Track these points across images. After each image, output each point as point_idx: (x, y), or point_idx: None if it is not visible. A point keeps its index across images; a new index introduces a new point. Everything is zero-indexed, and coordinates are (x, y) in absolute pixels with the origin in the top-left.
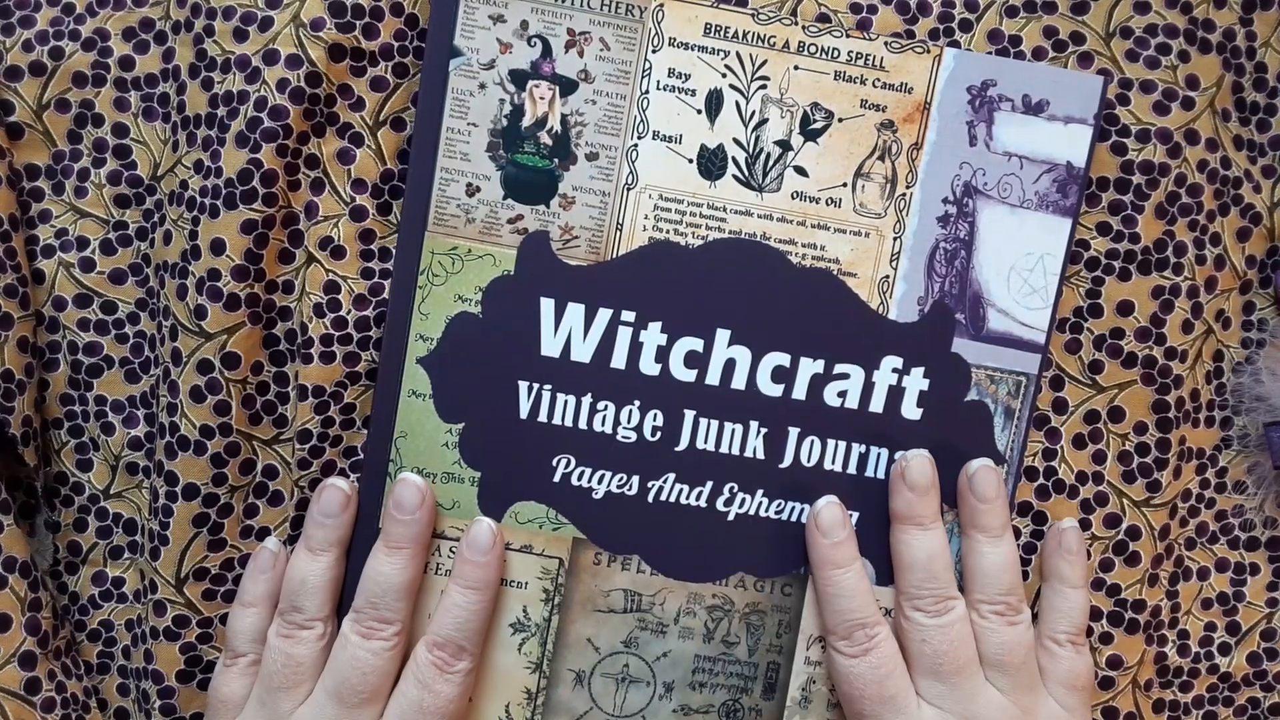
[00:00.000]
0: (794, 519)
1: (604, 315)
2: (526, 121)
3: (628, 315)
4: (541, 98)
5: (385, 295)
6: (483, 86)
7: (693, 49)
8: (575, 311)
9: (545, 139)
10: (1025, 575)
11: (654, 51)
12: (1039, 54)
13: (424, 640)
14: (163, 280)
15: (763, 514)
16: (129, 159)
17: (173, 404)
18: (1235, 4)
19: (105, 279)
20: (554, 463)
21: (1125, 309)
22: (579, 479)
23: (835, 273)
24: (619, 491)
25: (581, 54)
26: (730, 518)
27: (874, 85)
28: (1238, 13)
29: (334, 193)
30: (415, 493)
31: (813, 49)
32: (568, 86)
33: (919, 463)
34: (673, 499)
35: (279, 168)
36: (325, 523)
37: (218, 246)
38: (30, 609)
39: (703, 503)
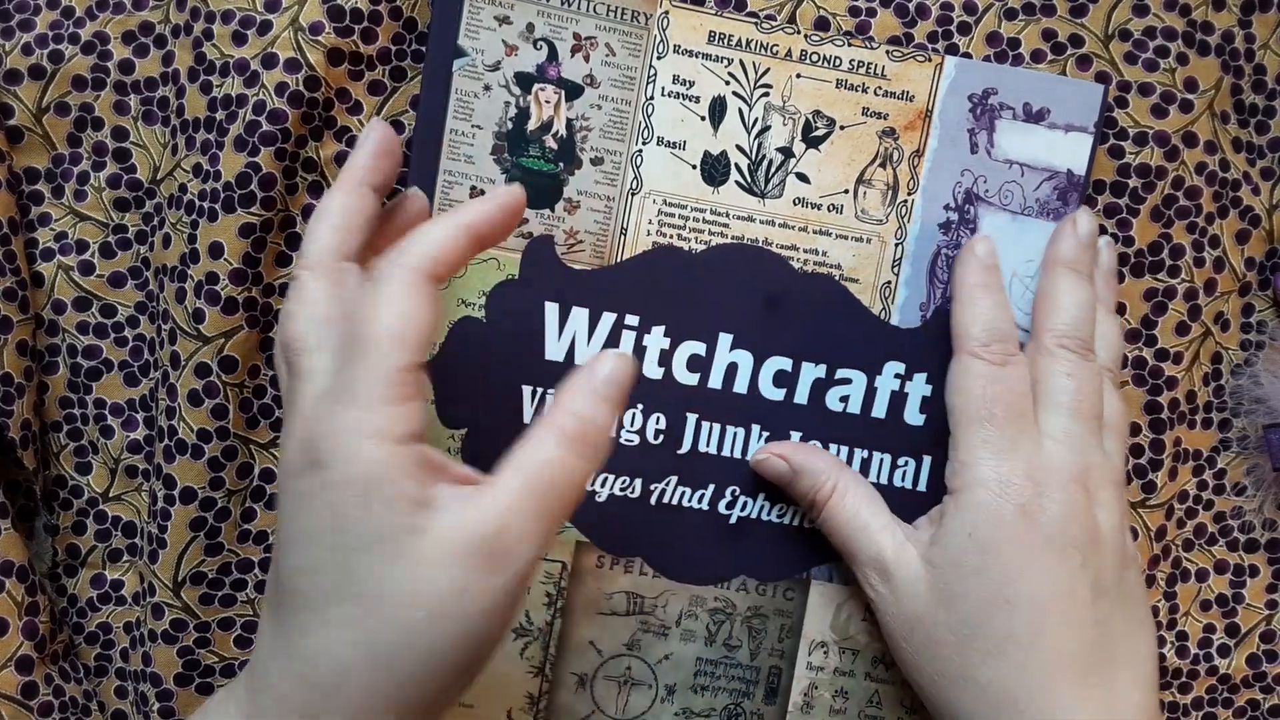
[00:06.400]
0: (796, 523)
1: (608, 319)
2: (532, 125)
3: (631, 319)
4: (547, 101)
5: None
6: (487, 88)
7: (697, 56)
8: (579, 315)
9: (550, 143)
10: None
11: (659, 58)
12: (1038, 56)
13: None
14: (162, 284)
15: (765, 517)
16: (129, 162)
17: (171, 407)
18: (1234, 6)
19: (105, 282)
20: None
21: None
22: None
23: (837, 278)
24: (622, 494)
25: (587, 59)
26: (732, 520)
27: (875, 93)
28: (1236, 15)
29: None
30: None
31: (815, 57)
32: (573, 91)
33: (1089, 218)
34: (675, 502)
35: (277, 171)
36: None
37: (216, 250)
38: (28, 613)
39: (705, 505)
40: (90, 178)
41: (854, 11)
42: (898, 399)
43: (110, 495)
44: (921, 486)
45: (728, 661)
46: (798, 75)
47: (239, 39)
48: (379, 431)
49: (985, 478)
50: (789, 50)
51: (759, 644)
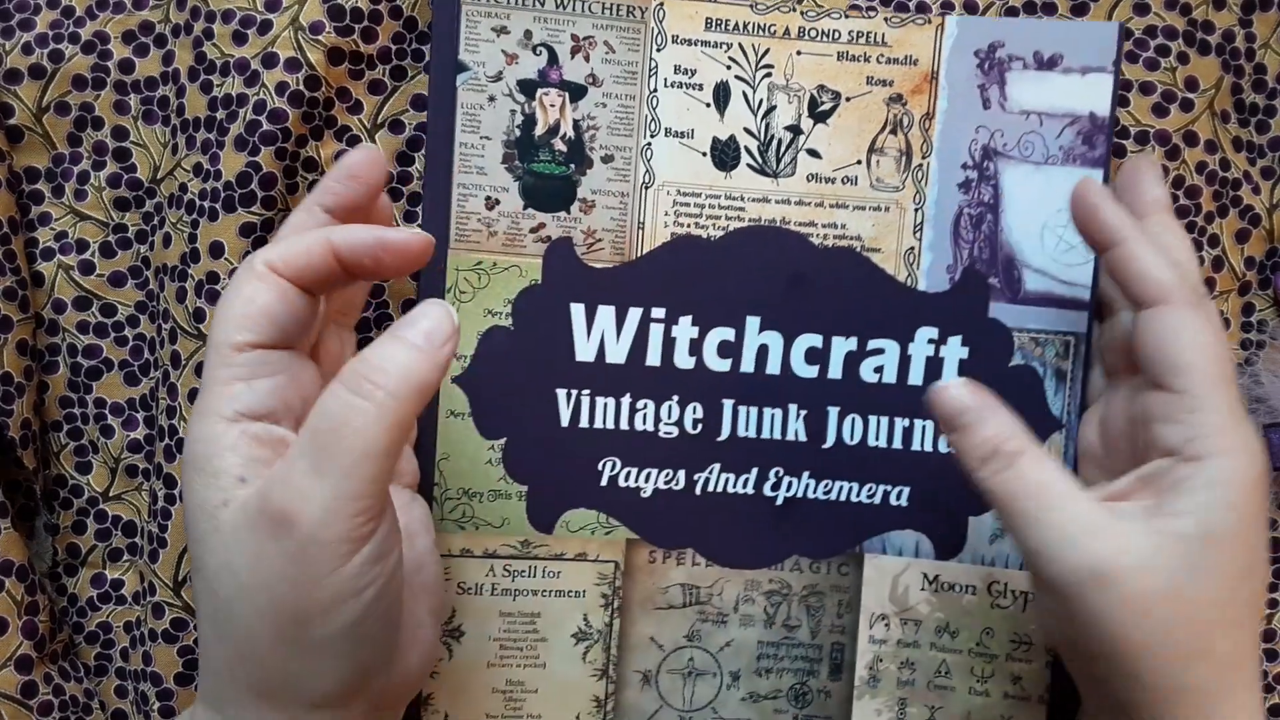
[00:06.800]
0: (843, 498)
1: (634, 314)
2: (539, 130)
3: (658, 312)
4: (552, 105)
5: (385, 296)
6: (492, 99)
7: (696, 44)
8: (606, 314)
9: (560, 145)
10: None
11: (658, 50)
12: None
13: None
14: (162, 283)
15: (811, 495)
16: (129, 162)
17: (172, 407)
18: (1234, 5)
19: (105, 282)
20: (600, 466)
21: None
22: (626, 480)
23: (859, 250)
24: (667, 487)
25: (587, 59)
26: (779, 502)
27: (878, 61)
28: (1237, 14)
29: None
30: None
31: (813, 33)
32: (577, 92)
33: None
34: (720, 489)
35: (278, 171)
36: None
37: (216, 249)
38: (27, 612)
39: (750, 490)
40: (90, 177)
41: (854, 9)
42: (933, 364)
43: (110, 495)
44: None
45: (789, 642)
46: (798, 52)
47: (239, 38)
48: (206, 409)
49: (1243, 443)
50: (787, 28)
51: (819, 622)
